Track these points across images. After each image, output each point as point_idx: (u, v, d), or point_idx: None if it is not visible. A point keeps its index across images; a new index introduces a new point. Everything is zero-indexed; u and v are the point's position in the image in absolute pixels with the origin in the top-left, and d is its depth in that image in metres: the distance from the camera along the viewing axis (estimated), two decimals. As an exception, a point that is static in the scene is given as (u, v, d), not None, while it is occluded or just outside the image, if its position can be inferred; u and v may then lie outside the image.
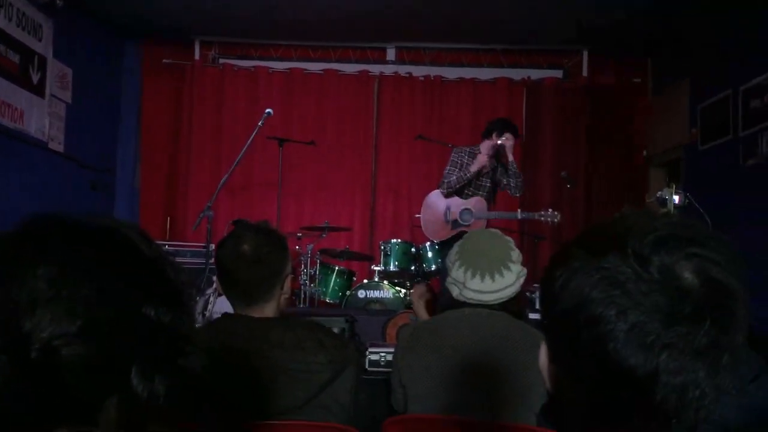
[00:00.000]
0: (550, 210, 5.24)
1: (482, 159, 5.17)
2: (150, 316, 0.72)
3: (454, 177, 5.24)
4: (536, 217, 5.25)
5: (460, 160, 5.34)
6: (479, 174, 5.34)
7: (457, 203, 5.32)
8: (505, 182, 5.40)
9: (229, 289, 1.95)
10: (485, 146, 5.33)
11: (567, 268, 0.78)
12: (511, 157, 5.29)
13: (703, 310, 0.71)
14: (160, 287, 0.75)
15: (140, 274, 0.74)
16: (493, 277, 2.11)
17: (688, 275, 0.72)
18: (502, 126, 5.30)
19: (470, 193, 5.32)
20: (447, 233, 5.37)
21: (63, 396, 0.67)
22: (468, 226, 5.25)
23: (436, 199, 5.48)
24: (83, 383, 0.68)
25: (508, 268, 2.13)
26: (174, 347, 0.74)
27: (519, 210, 5.37)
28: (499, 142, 5.25)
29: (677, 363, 0.71)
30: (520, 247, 2.24)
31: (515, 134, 5.36)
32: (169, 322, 0.74)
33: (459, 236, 5.21)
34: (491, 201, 5.41)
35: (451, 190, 5.31)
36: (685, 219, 0.78)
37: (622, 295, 0.72)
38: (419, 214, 5.69)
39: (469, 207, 5.24)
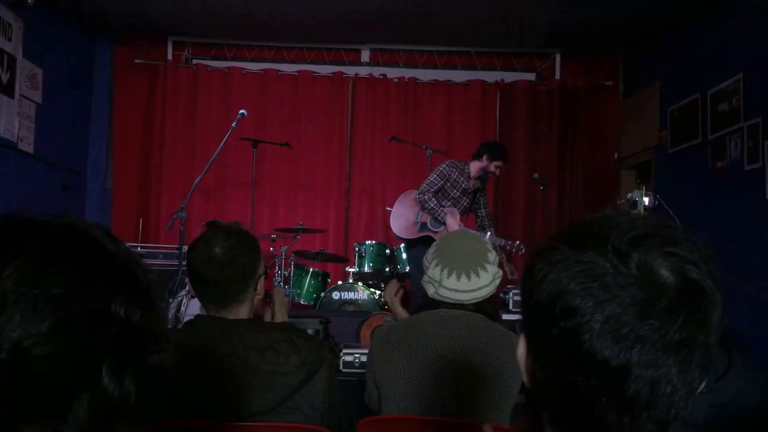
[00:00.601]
0: (517, 242, 5.27)
1: (452, 226, 5.23)
2: (119, 315, 0.72)
3: (432, 204, 5.27)
4: (502, 243, 5.26)
5: (449, 173, 5.36)
6: (462, 193, 5.39)
7: None
8: (480, 214, 5.52)
9: (201, 292, 1.94)
10: (474, 167, 5.38)
11: (547, 261, 0.79)
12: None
13: (678, 306, 0.73)
14: (128, 286, 0.75)
15: (108, 273, 0.74)
16: (469, 277, 2.12)
17: (665, 272, 0.74)
18: (494, 152, 5.36)
19: (446, 205, 5.36)
20: (412, 233, 5.42)
21: (33, 395, 0.67)
22: (436, 233, 5.30)
23: (410, 198, 5.52)
24: (53, 382, 0.67)
25: (485, 269, 2.14)
26: (144, 345, 0.74)
27: (489, 232, 5.40)
28: (491, 170, 5.34)
29: (649, 356, 0.72)
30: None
31: (505, 161, 5.45)
32: (138, 320, 0.73)
33: (423, 239, 5.29)
34: (463, 217, 5.49)
35: (422, 206, 5.37)
36: (664, 220, 0.80)
37: (600, 288, 0.74)
38: (390, 207, 5.73)
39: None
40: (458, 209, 5.38)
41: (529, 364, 0.85)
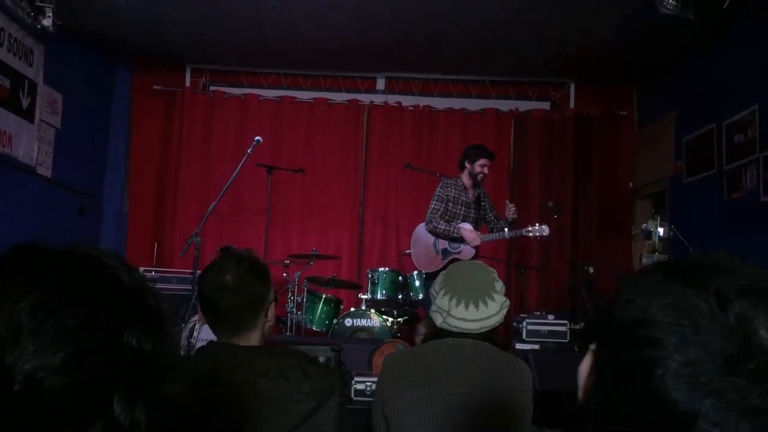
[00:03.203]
0: (537, 225, 5.27)
1: (473, 241, 5.22)
2: (131, 345, 0.72)
3: (442, 227, 5.28)
4: (524, 233, 5.27)
5: (446, 193, 5.40)
6: (466, 206, 5.41)
7: None
8: (490, 218, 5.50)
9: (212, 319, 1.95)
10: (465, 177, 5.43)
11: (640, 284, 0.75)
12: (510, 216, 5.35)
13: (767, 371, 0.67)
14: (141, 315, 0.75)
15: (121, 302, 0.75)
16: (477, 306, 2.12)
17: (764, 334, 0.68)
18: (473, 154, 5.40)
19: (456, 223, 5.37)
20: (439, 263, 5.39)
21: (46, 426, 0.67)
22: (458, 252, 5.29)
23: (423, 232, 5.52)
24: (66, 413, 0.68)
25: (492, 298, 2.14)
26: (155, 375, 0.75)
27: (506, 229, 5.37)
28: (477, 171, 5.34)
29: (721, 415, 0.66)
30: (506, 276, 2.26)
31: (488, 157, 5.42)
32: (151, 349, 0.74)
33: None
34: (476, 229, 5.46)
35: (435, 234, 5.37)
36: None
37: (690, 328, 0.69)
38: (408, 249, 5.73)
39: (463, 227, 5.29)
40: (469, 222, 5.38)
41: (589, 383, 0.80)
